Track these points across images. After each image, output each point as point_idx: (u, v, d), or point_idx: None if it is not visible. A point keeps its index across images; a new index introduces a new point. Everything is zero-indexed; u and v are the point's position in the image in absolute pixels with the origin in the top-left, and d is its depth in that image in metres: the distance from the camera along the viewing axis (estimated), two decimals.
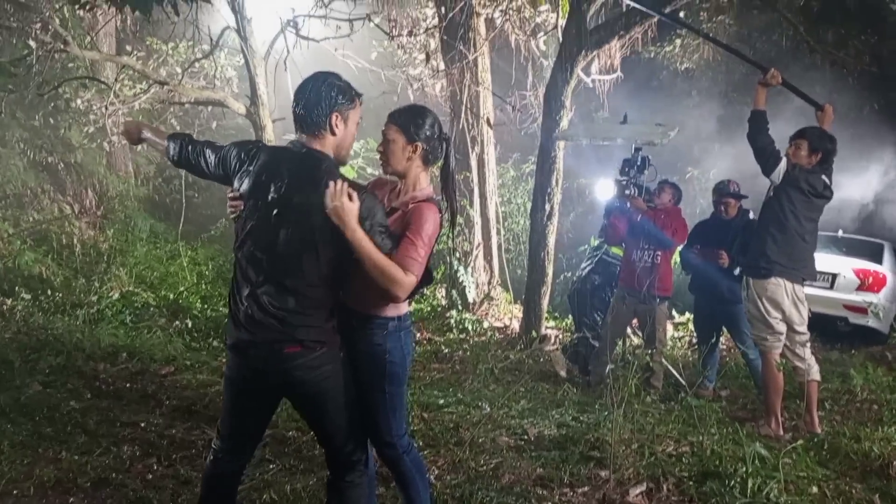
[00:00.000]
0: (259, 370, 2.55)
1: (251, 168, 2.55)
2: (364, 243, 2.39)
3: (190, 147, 2.74)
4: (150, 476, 3.63)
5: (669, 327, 7.38)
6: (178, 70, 9.56)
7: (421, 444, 4.03)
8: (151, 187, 12.59)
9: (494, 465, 3.77)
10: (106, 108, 9.29)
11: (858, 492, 3.70)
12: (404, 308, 2.72)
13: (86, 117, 10.26)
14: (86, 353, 5.55)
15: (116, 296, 7.55)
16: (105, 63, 10.27)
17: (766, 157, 4.59)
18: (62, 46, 8.28)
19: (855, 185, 10.44)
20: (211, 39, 8.68)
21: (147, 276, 8.92)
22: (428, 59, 9.56)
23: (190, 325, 6.81)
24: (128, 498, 3.38)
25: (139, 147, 10.99)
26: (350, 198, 2.38)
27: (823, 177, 4.59)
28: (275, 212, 2.46)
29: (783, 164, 4.56)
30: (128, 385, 5.05)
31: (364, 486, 2.73)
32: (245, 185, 2.54)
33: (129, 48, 10.86)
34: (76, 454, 3.79)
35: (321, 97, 2.50)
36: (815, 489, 3.63)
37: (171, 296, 7.98)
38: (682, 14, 9.64)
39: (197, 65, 9.89)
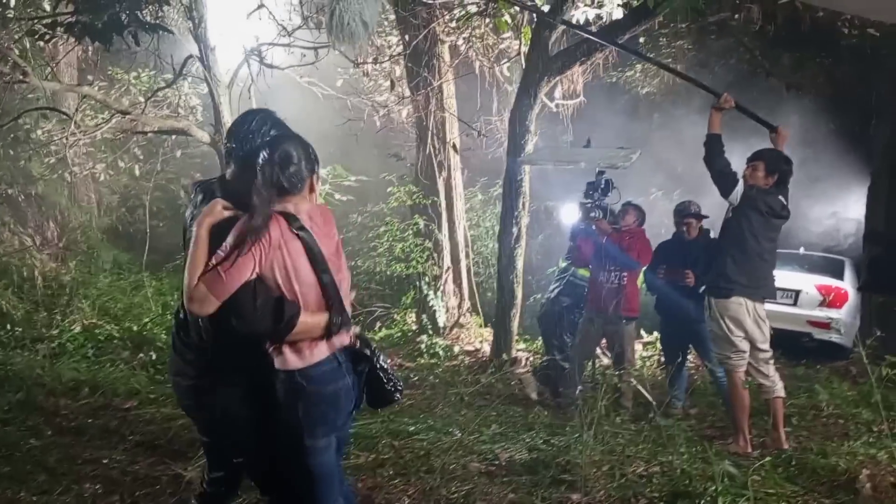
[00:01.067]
0: (189, 404, 2.57)
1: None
2: (199, 241, 2.25)
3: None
4: None
5: (638, 347, 7.43)
6: (141, 99, 9.46)
7: (391, 472, 3.99)
8: (115, 217, 12.39)
9: (466, 492, 3.72)
10: (67, 139, 9.15)
11: None
12: (294, 362, 2.34)
13: (47, 148, 10.10)
14: (46, 388, 5.42)
15: (78, 329, 7.39)
16: (66, 93, 10.14)
17: (723, 179, 4.68)
18: (21, 77, 8.15)
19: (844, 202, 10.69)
20: (174, 68, 8.61)
21: (110, 308, 8.76)
22: (393, 86, 9.62)
23: (154, 357, 6.66)
24: None
25: (101, 177, 10.99)
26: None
27: (780, 197, 4.69)
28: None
29: (740, 186, 4.66)
30: (90, 420, 4.93)
31: None
32: None
33: (90, 78, 10.73)
34: (35, 494, 3.67)
35: (255, 129, 2.44)
36: None
37: (135, 327, 7.82)
38: (641, 39, 9.87)
39: (160, 94, 9.79)
